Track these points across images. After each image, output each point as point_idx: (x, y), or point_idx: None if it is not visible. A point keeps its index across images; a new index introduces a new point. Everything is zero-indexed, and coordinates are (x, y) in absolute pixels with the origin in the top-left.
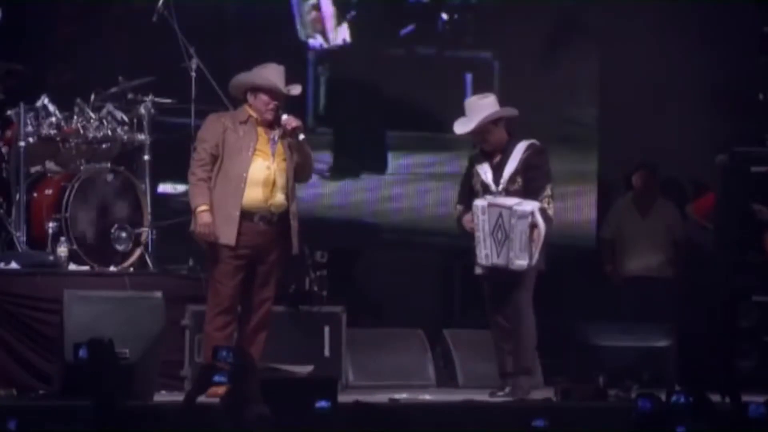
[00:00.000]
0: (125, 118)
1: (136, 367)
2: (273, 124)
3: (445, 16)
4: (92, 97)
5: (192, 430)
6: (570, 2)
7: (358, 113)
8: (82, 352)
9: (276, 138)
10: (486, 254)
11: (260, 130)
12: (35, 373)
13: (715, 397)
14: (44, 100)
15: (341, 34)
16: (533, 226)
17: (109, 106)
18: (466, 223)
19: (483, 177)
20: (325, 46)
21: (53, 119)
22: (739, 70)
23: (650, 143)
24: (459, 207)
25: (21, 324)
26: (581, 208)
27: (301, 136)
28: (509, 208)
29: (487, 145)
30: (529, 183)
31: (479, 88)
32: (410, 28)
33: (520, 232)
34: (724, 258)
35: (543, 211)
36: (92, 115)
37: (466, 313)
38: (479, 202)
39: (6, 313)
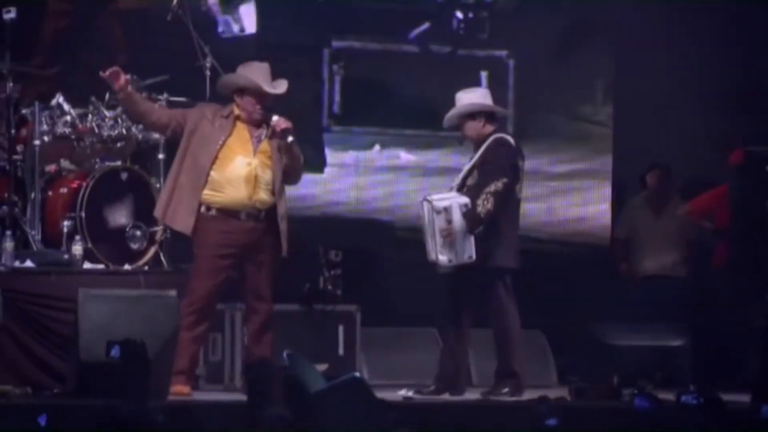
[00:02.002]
0: None
1: (151, 366)
2: (260, 123)
3: (459, 14)
4: (107, 95)
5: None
6: (585, 1)
7: (372, 112)
8: (115, 352)
9: (262, 136)
10: (428, 250)
11: (240, 126)
12: (50, 372)
13: (730, 397)
14: (59, 98)
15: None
16: (448, 221)
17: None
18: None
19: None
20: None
21: (68, 118)
22: (755, 69)
23: (665, 142)
24: None
25: (36, 322)
26: (595, 207)
27: (290, 138)
28: (430, 202)
29: (464, 138)
30: (481, 177)
31: (494, 87)
32: (425, 26)
33: (438, 227)
34: (737, 257)
35: (468, 207)
36: (107, 113)
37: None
38: (424, 200)
39: (21, 311)
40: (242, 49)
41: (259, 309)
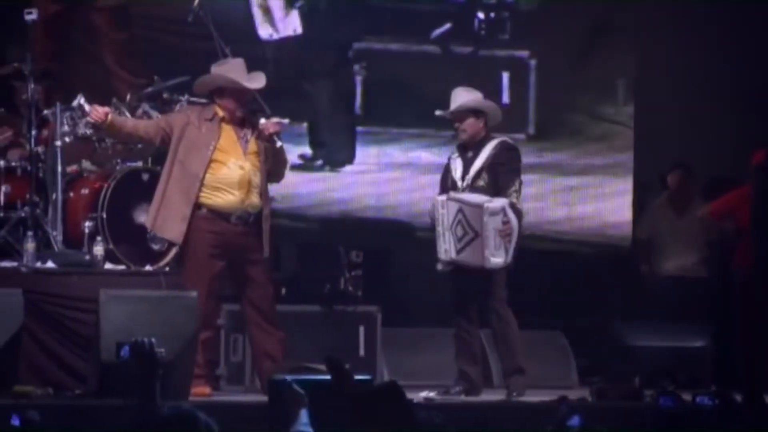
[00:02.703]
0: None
1: (172, 366)
2: (244, 121)
3: (481, 14)
4: (128, 96)
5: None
6: (606, 0)
7: (393, 112)
8: (124, 352)
9: (248, 137)
10: (445, 249)
11: (226, 128)
12: (71, 373)
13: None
14: (80, 99)
15: (291, 24)
16: (506, 222)
17: (145, 106)
18: (429, 214)
19: (453, 173)
20: (275, 36)
21: (89, 119)
22: None
23: (686, 143)
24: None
25: (57, 323)
26: (616, 207)
27: (279, 143)
28: (479, 206)
29: (463, 134)
30: (496, 179)
31: (515, 87)
32: (446, 27)
33: (493, 229)
34: (761, 257)
35: (513, 206)
36: (128, 114)
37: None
38: (440, 197)
39: (42, 312)
40: (279, 50)
41: (262, 308)
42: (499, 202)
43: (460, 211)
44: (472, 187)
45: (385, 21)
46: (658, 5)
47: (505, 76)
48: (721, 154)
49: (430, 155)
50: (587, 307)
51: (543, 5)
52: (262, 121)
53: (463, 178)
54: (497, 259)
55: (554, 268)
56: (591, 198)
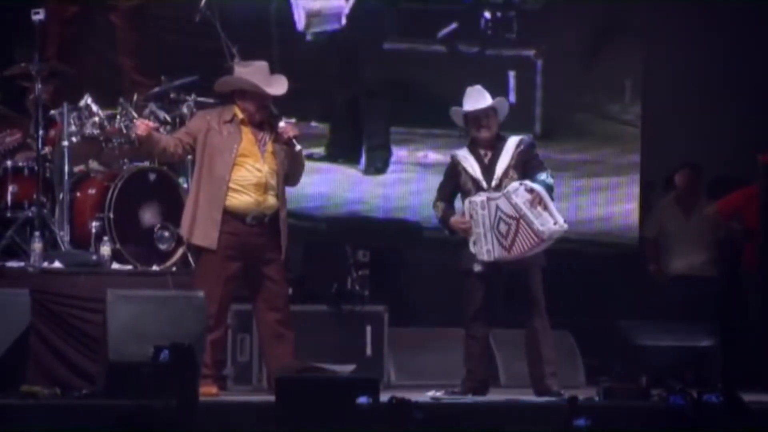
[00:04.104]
0: (168, 118)
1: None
2: (263, 124)
3: (487, 14)
4: (135, 96)
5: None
6: (613, 1)
7: (400, 111)
8: (164, 355)
9: (267, 139)
10: (488, 249)
11: (246, 130)
12: (78, 373)
13: (760, 398)
14: (87, 99)
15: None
16: (529, 191)
17: (152, 106)
18: (456, 225)
19: (473, 174)
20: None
21: (96, 119)
22: None
23: (694, 142)
24: (440, 204)
25: (64, 323)
26: (624, 207)
27: (298, 147)
28: (501, 195)
29: (487, 132)
30: (525, 176)
31: (522, 87)
32: (453, 26)
33: (524, 203)
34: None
35: (532, 180)
36: (135, 114)
37: (509, 312)
38: (477, 198)
39: (50, 312)
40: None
41: (275, 306)
42: (513, 184)
43: (497, 208)
44: (502, 187)
45: (391, 21)
46: (664, 5)
47: (512, 76)
48: (728, 154)
49: (437, 155)
50: (595, 306)
51: (549, 5)
52: (282, 124)
53: (488, 178)
54: (547, 225)
55: (562, 267)
56: (598, 197)
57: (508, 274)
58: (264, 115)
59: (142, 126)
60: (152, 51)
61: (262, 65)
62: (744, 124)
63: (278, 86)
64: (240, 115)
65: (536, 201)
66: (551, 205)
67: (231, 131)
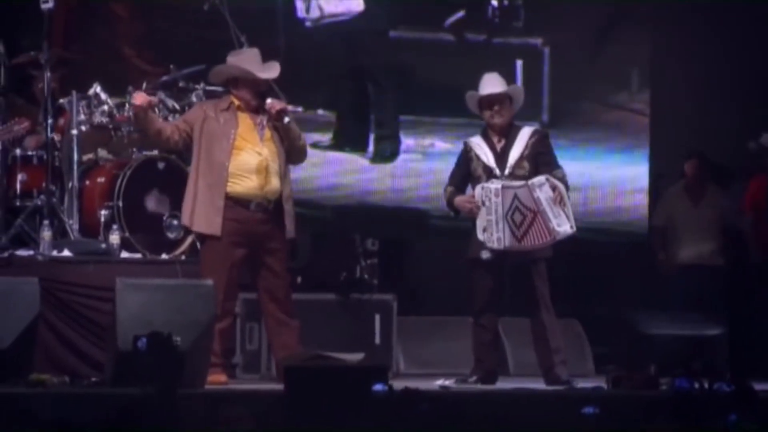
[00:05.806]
0: (177, 107)
1: (188, 355)
2: (259, 109)
3: (494, 2)
4: (144, 85)
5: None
6: None
7: (407, 100)
8: (141, 344)
9: (264, 123)
10: (498, 237)
11: (243, 116)
12: (87, 361)
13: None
14: (96, 88)
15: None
16: (554, 188)
17: (161, 95)
18: (461, 203)
19: (485, 161)
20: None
21: (105, 107)
22: None
23: (702, 131)
24: (449, 188)
25: (73, 312)
26: (632, 195)
27: (287, 119)
28: (525, 185)
29: (500, 118)
30: (537, 167)
31: (529, 75)
32: (460, 14)
33: (546, 199)
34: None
35: (553, 176)
36: None
37: (517, 301)
38: (492, 185)
39: (58, 300)
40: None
41: (278, 295)
42: (539, 177)
43: (515, 197)
44: (513, 176)
45: (399, 9)
46: None
47: (519, 64)
48: (737, 143)
49: (444, 143)
50: (603, 295)
51: None
52: (269, 101)
53: (501, 166)
54: (563, 227)
55: (570, 256)
56: (605, 186)
57: (513, 267)
58: (259, 101)
59: (139, 97)
60: (158, 41)
61: (254, 51)
62: (752, 113)
63: (270, 71)
64: (236, 103)
65: (558, 199)
66: (569, 206)
67: (228, 118)
